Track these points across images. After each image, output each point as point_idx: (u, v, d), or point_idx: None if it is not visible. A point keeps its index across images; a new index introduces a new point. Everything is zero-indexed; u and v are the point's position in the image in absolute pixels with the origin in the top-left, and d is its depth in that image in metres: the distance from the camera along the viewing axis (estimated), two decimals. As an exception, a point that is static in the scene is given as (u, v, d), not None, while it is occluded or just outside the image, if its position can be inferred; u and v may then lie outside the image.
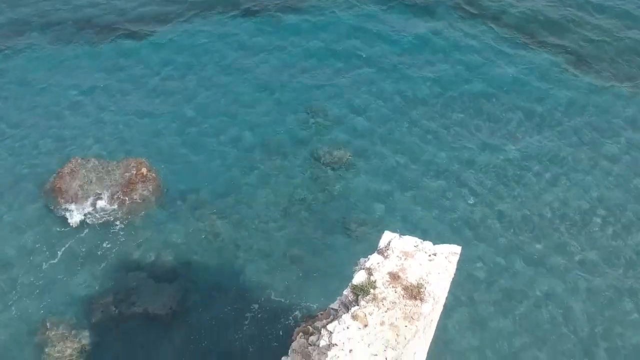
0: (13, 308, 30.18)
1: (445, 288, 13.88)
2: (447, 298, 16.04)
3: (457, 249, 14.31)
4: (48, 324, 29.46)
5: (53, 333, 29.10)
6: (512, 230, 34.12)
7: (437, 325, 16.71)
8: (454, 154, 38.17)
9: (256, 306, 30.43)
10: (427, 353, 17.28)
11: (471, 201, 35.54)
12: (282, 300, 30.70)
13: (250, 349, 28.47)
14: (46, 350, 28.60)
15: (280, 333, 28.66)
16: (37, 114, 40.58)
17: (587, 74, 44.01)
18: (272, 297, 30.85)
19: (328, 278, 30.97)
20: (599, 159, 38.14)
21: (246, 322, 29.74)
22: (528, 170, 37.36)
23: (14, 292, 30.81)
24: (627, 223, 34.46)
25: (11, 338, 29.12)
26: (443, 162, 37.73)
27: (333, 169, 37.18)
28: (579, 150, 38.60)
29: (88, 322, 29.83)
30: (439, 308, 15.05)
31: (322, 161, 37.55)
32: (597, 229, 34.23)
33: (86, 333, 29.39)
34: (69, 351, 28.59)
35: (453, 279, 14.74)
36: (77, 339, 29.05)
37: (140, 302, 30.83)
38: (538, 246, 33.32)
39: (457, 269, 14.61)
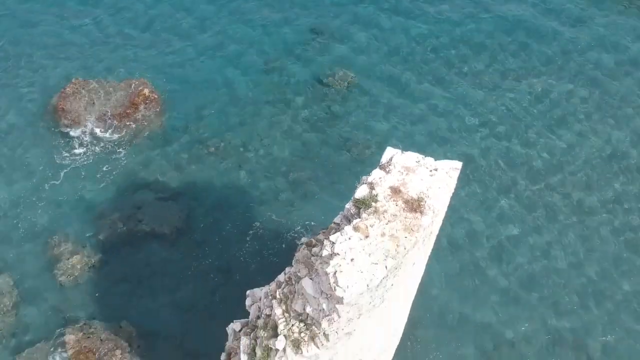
0: (20, 226, 30.85)
1: (445, 202, 14.20)
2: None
3: (457, 164, 14.50)
4: (57, 240, 30.24)
5: (62, 249, 29.91)
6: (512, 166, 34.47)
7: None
8: (460, 81, 37.91)
9: (258, 224, 31.10)
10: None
11: (475, 122, 35.70)
12: (284, 219, 31.34)
13: (252, 266, 29.29)
14: (57, 265, 29.52)
15: (283, 246, 29.40)
16: (39, 33, 39.89)
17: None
18: (274, 217, 31.48)
19: (330, 197, 31.54)
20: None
21: (248, 240, 30.49)
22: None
23: (20, 210, 31.40)
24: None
25: (23, 254, 29.97)
26: (450, 88, 37.55)
27: (336, 90, 36.99)
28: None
29: (96, 239, 30.61)
30: (439, 221, 15.44)
31: (325, 82, 37.31)
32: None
33: (94, 249, 30.22)
34: (78, 266, 29.51)
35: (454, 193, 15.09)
36: (86, 255, 29.89)
37: (146, 220, 31.51)
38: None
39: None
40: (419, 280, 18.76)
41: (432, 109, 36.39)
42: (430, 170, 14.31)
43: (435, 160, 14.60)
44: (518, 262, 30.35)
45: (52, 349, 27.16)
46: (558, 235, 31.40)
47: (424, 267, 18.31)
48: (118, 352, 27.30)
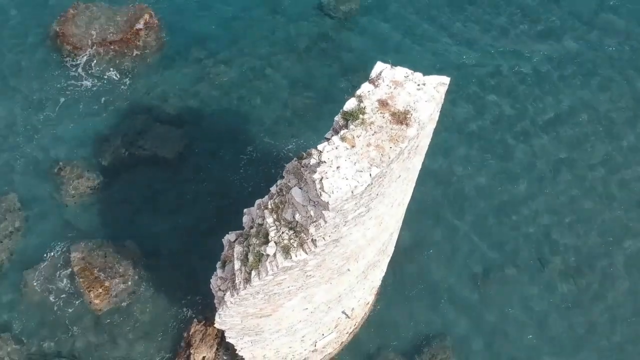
0: (24, 151, 31.50)
1: (432, 116, 14.53)
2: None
3: (445, 79, 14.75)
4: (62, 165, 30.96)
5: (67, 172, 30.66)
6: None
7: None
8: (464, 16, 37.49)
9: (256, 149, 31.71)
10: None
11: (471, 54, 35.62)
12: (282, 144, 31.94)
13: (249, 189, 30.11)
14: (62, 187, 30.36)
15: (280, 170, 29.86)
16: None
17: None
18: (273, 142, 32.01)
19: (324, 123, 31.83)
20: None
21: (246, 164, 31.23)
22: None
23: (24, 135, 31.98)
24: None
25: (29, 177, 30.75)
26: (452, 23, 37.12)
27: (339, 19, 36.60)
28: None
29: (99, 163, 31.31)
30: (426, 134, 15.85)
31: (327, 11, 36.91)
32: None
33: (98, 172, 30.97)
34: (82, 188, 30.36)
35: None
36: (90, 178, 30.68)
37: (148, 145, 32.07)
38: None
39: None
40: (408, 196, 19.37)
41: (438, 45, 36.06)
42: (418, 85, 14.58)
43: (424, 75, 14.86)
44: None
45: (58, 265, 28.37)
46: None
47: (413, 184, 18.89)
48: (121, 269, 28.50)
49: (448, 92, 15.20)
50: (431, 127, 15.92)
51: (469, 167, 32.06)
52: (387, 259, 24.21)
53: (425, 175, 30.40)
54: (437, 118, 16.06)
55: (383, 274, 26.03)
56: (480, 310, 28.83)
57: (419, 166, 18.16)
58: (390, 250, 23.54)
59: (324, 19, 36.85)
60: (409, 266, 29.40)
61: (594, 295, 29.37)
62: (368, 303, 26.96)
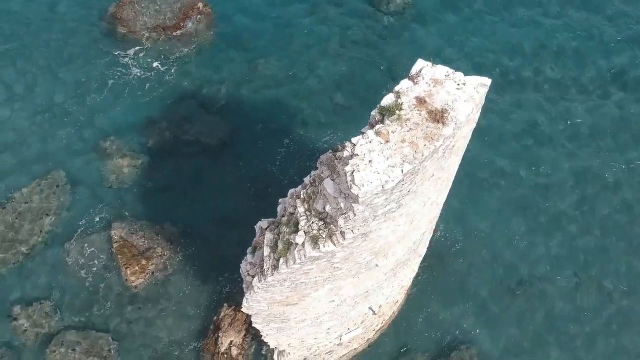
0: (72, 128, 32.51)
1: (470, 116, 14.38)
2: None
3: (487, 81, 14.59)
4: (108, 144, 31.90)
5: (113, 152, 31.59)
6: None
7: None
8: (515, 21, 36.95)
9: (297, 142, 31.93)
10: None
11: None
12: (322, 139, 32.13)
13: (285, 181, 30.38)
14: (107, 166, 31.30)
15: (309, 165, 30.14)
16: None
17: None
18: (313, 136, 32.24)
19: (365, 119, 31.87)
20: None
21: (287, 156, 31.51)
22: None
23: (73, 112, 32.97)
24: None
25: (76, 154, 31.80)
26: (505, 28, 36.66)
27: (391, 15, 36.53)
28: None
29: (143, 144, 32.12)
30: (464, 135, 15.70)
31: (378, 7, 36.86)
32: None
33: (142, 154, 31.78)
34: (125, 167, 31.25)
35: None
36: (134, 159, 31.53)
37: (193, 131, 32.74)
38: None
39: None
40: (443, 197, 19.26)
41: (493, 46, 35.58)
42: (458, 84, 14.49)
43: (465, 76, 14.75)
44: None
45: (98, 241, 29.30)
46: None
47: (450, 185, 18.77)
48: (159, 250, 29.23)
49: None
50: (469, 128, 15.80)
51: (515, 179, 31.68)
52: (419, 259, 24.12)
53: (468, 180, 30.58)
54: (476, 119, 15.93)
55: (414, 274, 25.95)
56: (512, 323, 28.36)
57: (455, 168, 18.03)
58: (423, 250, 23.44)
59: (376, 15, 36.81)
60: (443, 270, 29.17)
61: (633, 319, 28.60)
62: (397, 302, 26.90)
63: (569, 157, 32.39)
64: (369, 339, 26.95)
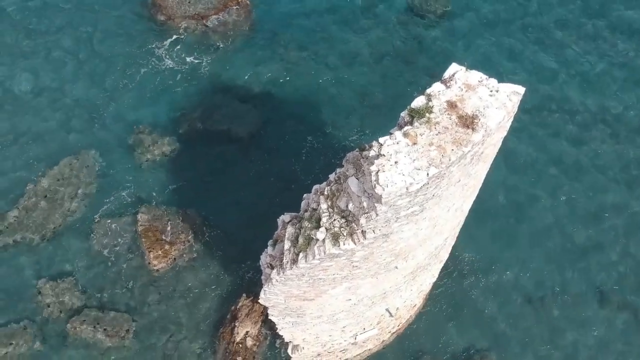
0: (109, 110, 33.12)
1: (501, 124, 14.18)
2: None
3: (520, 89, 14.35)
4: (141, 128, 32.40)
5: (145, 136, 32.06)
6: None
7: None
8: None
9: (326, 139, 31.97)
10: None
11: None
12: (346, 135, 32.24)
13: (309, 179, 30.32)
14: (138, 149, 31.77)
15: (334, 162, 30.12)
16: None
17: None
18: (341, 135, 32.23)
19: (395, 120, 31.75)
20: None
21: (315, 152, 31.53)
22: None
23: (110, 96, 33.57)
24: None
25: (110, 135, 32.40)
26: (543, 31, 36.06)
27: (428, 19, 36.30)
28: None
29: (175, 132, 32.52)
30: (493, 143, 15.48)
31: (417, 12, 36.62)
32: None
33: (173, 141, 32.18)
34: (156, 153, 31.67)
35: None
36: (164, 144, 31.96)
37: (224, 120, 33.01)
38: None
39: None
40: (468, 203, 19.06)
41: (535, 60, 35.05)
42: (491, 91, 14.30)
43: (499, 82, 14.55)
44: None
45: (124, 223, 29.80)
46: None
47: (476, 192, 18.57)
48: (183, 235, 29.59)
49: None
50: (499, 135, 15.59)
51: (546, 193, 31.25)
52: (440, 265, 23.94)
53: (498, 189, 30.24)
54: (507, 127, 15.72)
55: (434, 279, 25.76)
56: (532, 336, 27.99)
57: (483, 175, 17.83)
58: (444, 256, 23.26)
59: (414, 19, 36.59)
60: (464, 278, 28.98)
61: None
62: (415, 306, 26.75)
63: (597, 188, 31.74)
64: (384, 341, 26.86)
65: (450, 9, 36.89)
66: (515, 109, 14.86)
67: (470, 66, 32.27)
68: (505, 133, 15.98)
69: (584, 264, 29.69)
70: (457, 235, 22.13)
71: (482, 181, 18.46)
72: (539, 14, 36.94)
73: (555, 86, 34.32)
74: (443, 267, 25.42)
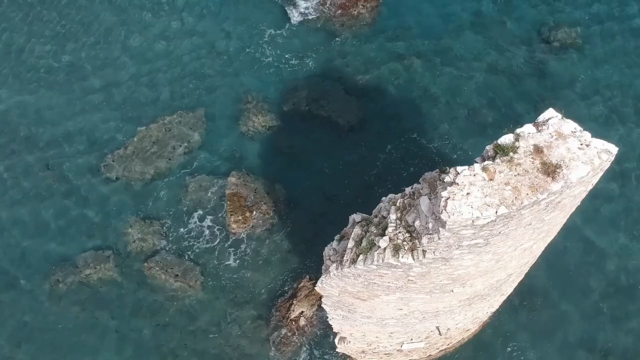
0: (223, 78, 35.09)
1: (584, 179, 14.02)
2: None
3: (613, 148, 14.03)
4: (249, 98, 34.14)
5: (251, 105, 33.78)
6: None
7: None
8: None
9: (420, 146, 32.14)
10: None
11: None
12: (440, 145, 32.22)
13: (395, 178, 30.94)
14: (243, 118, 33.57)
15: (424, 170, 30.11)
16: None
17: None
18: (431, 141, 32.35)
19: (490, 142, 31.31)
20: None
21: (405, 154, 31.85)
22: None
23: (228, 65, 35.52)
24: None
25: (220, 100, 34.44)
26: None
27: (553, 47, 35.15)
28: None
29: (280, 109, 33.98)
30: (573, 194, 15.26)
31: (545, 37, 35.55)
32: None
33: (276, 116, 33.68)
34: (259, 124, 33.30)
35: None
36: (269, 118, 33.52)
37: (328, 107, 34.04)
38: None
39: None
40: (540, 246, 18.88)
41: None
42: (582, 144, 14.14)
43: (592, 137, 14.35)
44: None
45: (215, 183, 31.73)
46: None
47: (551, 237, 18.38)
48: (264, 207, 31.11)
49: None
50: (581, 189, 15.38)
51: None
52: (501, 298, 23.78)
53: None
54: (592, 183, 15.47)
55: (493, 309, 25.60)
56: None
57: (560, 222, 17.61)
58: (507, 290, 23.09)
59: (540, 45, 35.47)
60: (529, 317, 28.46)
61: None
62: (468, 330, 26.73)
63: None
64: (430, 355, 27.12)
65: (580, 40, 35.42)
66: (605, 167, 14.63)
67: (582, 98, 31.12)
68: (589, 187, 15.73)
69: None
70: (524, 273, 21.91)
71: (558, 227, 18.23)
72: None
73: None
74: (507, 301, 25.23)
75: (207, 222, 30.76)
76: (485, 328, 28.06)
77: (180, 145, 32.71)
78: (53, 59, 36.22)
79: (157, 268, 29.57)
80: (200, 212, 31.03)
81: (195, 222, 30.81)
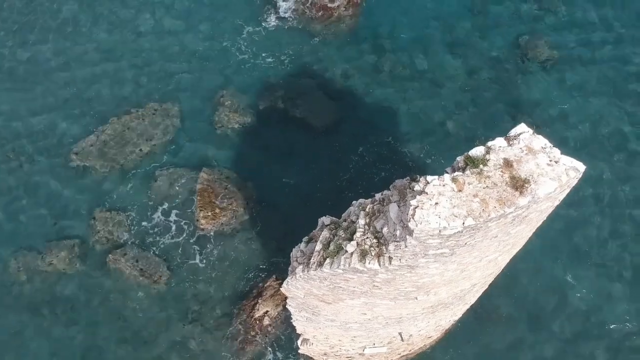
0: (199, 74, 34.71)
1: (551, 195, 14.23)
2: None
3: (581, 166, 14.26)
4: (224, 94, 33.81)
5: (225, 102, 33.48)
6: None
7: None
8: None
9: (394, 151, 32.28)
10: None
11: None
12: (413, 151, 32.42)
13: (364, 183, 31.04)
14: (217, 114, 33.26)
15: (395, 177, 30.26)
16: None
17: None
18: (411, 149, 32.51)
19: (465, 150, 31.48)
20: None
21: (372, 158, 32.04)
22: None
23: (203, 61, 35.18)
24: None
25: (194, 95, 34.13)
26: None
27: (532, 63, 35.39)
28: None
29: (255, 106, 33.75)
30: (540, 209, 15.46)
31: (524, 51, 35.85)
32: None
33: (250, 114, 33.44)
34: (233, 121, 33.01)
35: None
36: (242, 115, 33.26)
37: (304, 106, 33.91)
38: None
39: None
40: (504, 258, 19.09)
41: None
42: (550, 160, 14.33)
43: (562, 154, 14.55)
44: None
45: (186, 177, 31.40)
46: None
47: (516, 249, 18.59)
48: (235, 204, 30.87)
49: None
50: (548, 204, 15.59)
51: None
52: (464, 307, 24.00)
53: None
54: (559, 199, 15.69)
55: (456, 318, 25.84)
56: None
57: (525, 235, 17.81)
58: (470, 300, 23.30)
59: (517, 58, 35.72)
60: (491, 329, 28.79)
61: None
62: (431, 337, 26.93)
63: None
64: (391, 360, 27.28)
65: (558, 58, 35.72)
66: (572, 184, 14.85)
67: (560, 115, 31.11)
68: (556, 203, 15.95)
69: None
70: (488, 283, 22.14)
71: (524, 240, 18.45)
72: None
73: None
74: (470, 310, 25.47)
75: (174, 216, 30.45)
76: (448, 336, 28.31)
77: (151, 139, 32.28)
78: (12, 53, 35.29)
79: (122, 260, 29.13)
80: (167, 205, 30.70)
81: (164, 216, 30.45)
